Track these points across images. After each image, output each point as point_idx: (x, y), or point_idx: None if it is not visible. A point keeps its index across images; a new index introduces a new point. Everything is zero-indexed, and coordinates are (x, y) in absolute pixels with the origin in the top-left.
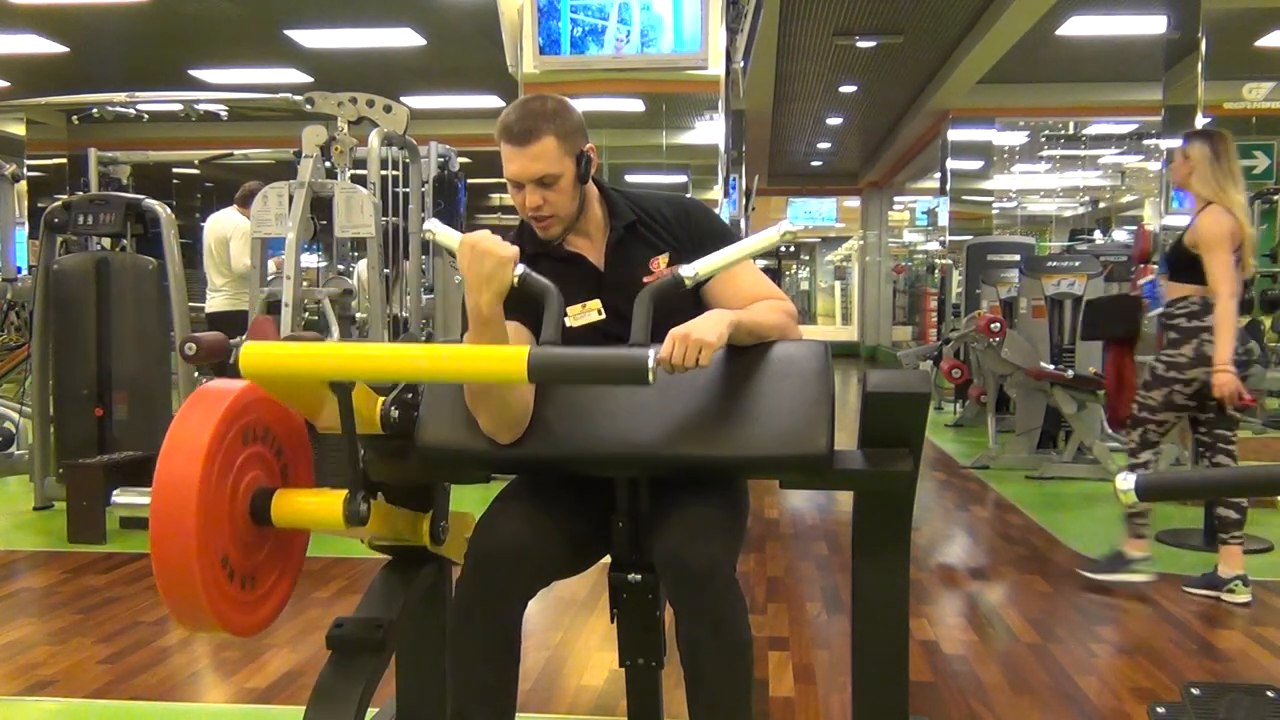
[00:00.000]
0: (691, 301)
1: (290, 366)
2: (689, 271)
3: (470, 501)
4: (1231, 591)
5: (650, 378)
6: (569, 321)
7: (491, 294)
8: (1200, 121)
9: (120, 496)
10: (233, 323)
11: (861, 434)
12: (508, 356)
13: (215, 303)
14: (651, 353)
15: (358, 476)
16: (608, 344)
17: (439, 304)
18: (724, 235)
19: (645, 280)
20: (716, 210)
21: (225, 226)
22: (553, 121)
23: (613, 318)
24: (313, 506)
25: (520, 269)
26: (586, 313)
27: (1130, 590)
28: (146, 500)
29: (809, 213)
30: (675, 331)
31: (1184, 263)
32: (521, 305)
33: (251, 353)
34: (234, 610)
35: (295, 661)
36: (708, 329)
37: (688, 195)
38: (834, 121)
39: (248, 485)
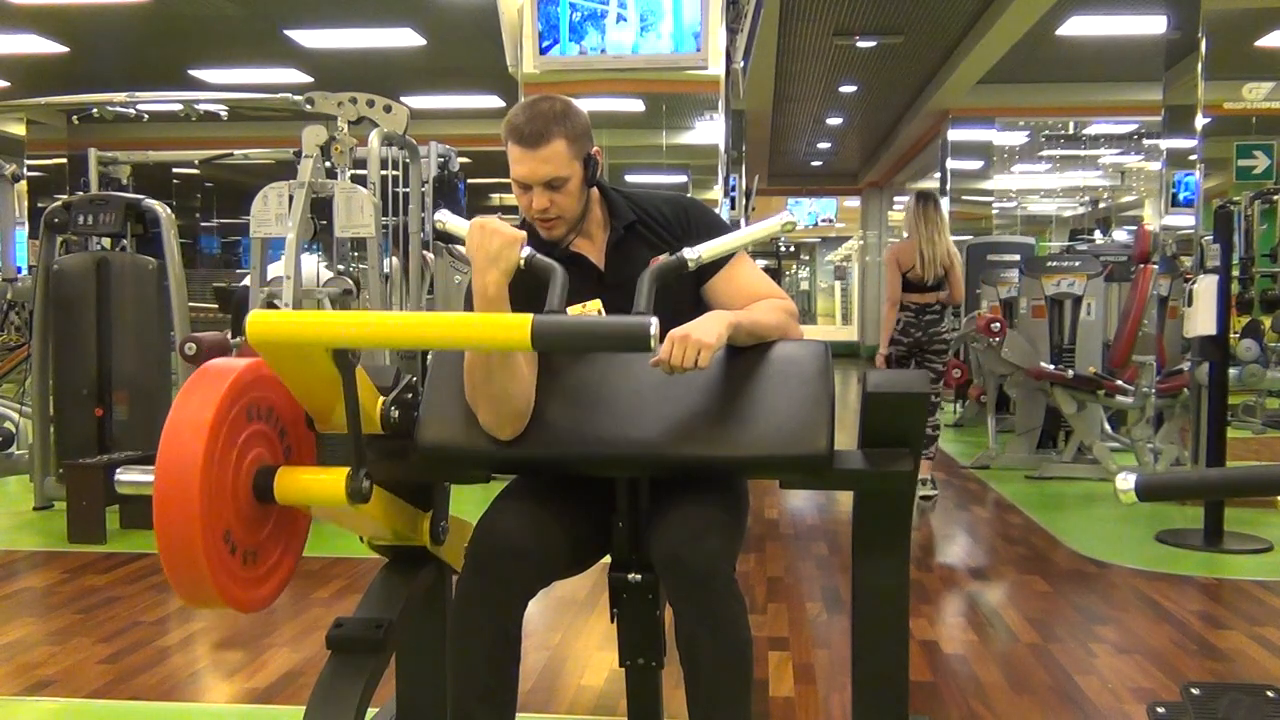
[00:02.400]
0: (692, 301)
1: (295, 334)
2: (693, 254)
3: (470, 501)
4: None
5: (652, 344)
6: None
7: (498, 273)
8: (1200, 122)
9: (124, 474)
10: None
11: (861, 434)
12: (512, 324)
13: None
14: (654, 321)
15: (360, 454)
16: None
17: (439, 304)
18: (723, 231)
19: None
20: (716, 209)
21: None
22: (563, 124)
23: (611, 313)
24: (316, 484)
25: (527, 250)
26: (587, 313)
27: (1125, 586)
28: (150, 478)
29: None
30: (674, 333)
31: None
32: (528, 300)
33: (257, 320)
34: (237, 586)
35: (295, 661)
36: (706, 330)
37: (686, 195)
38: (834, 121)
39: (251, 462)
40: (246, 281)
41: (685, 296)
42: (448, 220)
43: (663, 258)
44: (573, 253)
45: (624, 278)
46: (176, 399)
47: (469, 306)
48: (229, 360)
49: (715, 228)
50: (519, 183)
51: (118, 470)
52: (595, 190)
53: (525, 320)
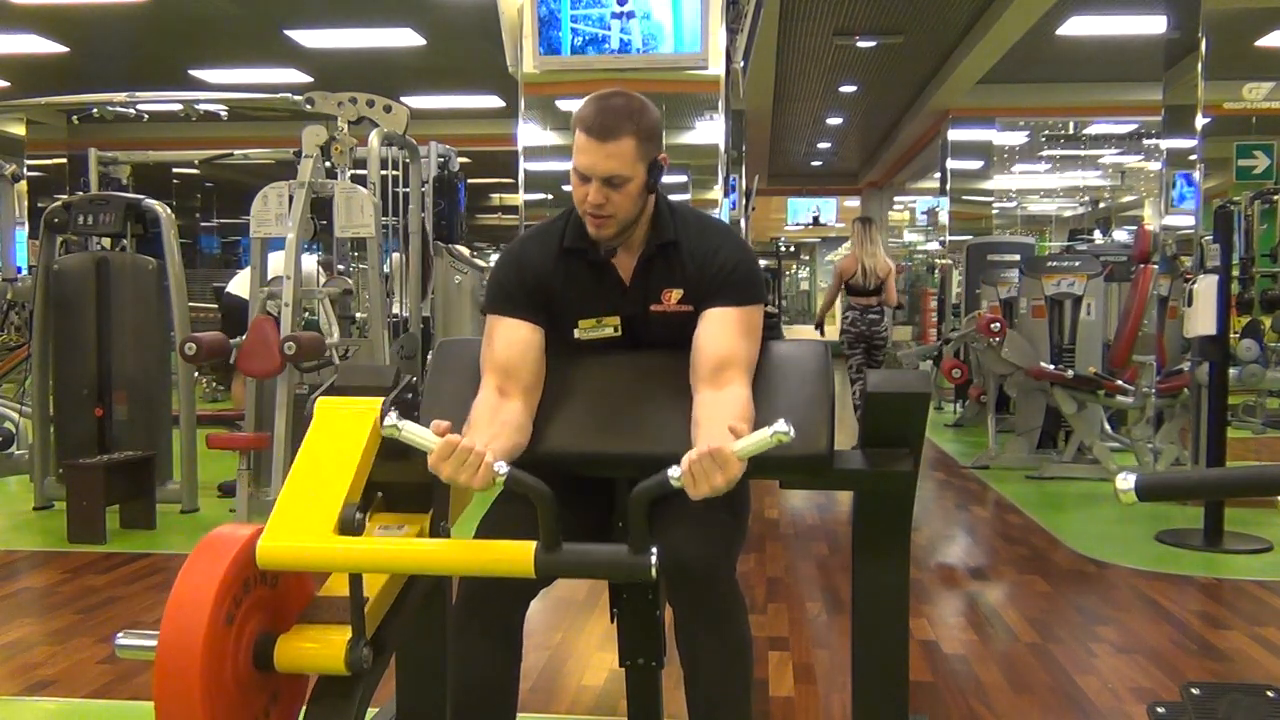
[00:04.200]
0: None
1: (305, 563)
2: (675, 473)
3: (470, 501)
4: None
5: (652, 574)
6: (579, 335)
7: (476, 491)
8: (1200, 121)
9: (124, 639)
10: None
11: (861, 434)
12: (515, 553)
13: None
14: (653, 555)
15: (360, 623)
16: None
17: (439, 305)
18: (736, 293)
19: (654, 308)
20: (716, 212)
21: None
22: (636, 123)
23: (626, 333)
24: (314, 654)
25: (504, 470)
26: (601, 328)
27: (1125, 586)
28: (151, 643)
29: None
30: (699, 464)
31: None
32: (529, 302)
33: (267, 548)
34: None
35: None
36: (728, 477)
37: (738, 240)
38: (834, 121)
39: (251, 630)
40: (231, 287)
41: (687, 330)
42: (404, 430)
43: (670, 302)
44: (605, 261)
45: (641, 299)
46: (183, 569)
47: (487, 308)
48: (234, 529)
49: (732, 284)
50: (579, 172)
51: (119, 635)
52: (652, 198)
53: (528, 551)
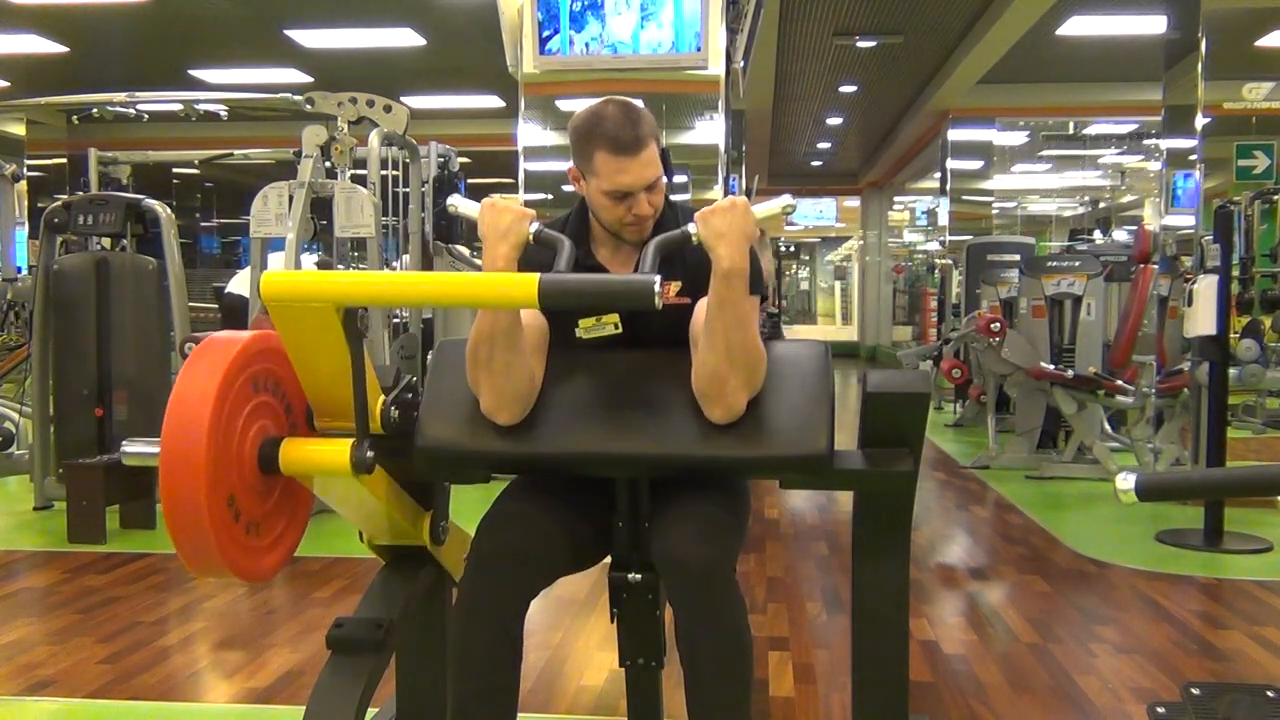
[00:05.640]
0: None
1: (306, 291)
2: (693, 229)
3: (470, 501)
4: None
5: (657, 302)
6: (580, 334)
7: (509, 246)
8: (1200, 121)
9: (129, 445)
10: None
11: (861, 434)
12: (519, 282)
13: None
14: (658, 279)
15: (364, 424)
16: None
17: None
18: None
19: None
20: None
21: None
22: (648, 124)
23: (627, 330)
24: (320, 454)
25: (535, 225)
26: (602, 326)
27: (1125, 586)
28: (155, 449)
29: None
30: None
31: None
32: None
33: (271, 279)
34: (242, 555)
35: (295, 661)
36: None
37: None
38: (834, 121)
39: (256, 433)
40: (232, 286)
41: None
42: (459, 204)
43: (669, 295)
44: (601, 265)
45: None
46: (183, 368)
47: None
48: (236, 332)
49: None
50: (620, 192)
51: (123, 442)
52: None
53: (532, 279)
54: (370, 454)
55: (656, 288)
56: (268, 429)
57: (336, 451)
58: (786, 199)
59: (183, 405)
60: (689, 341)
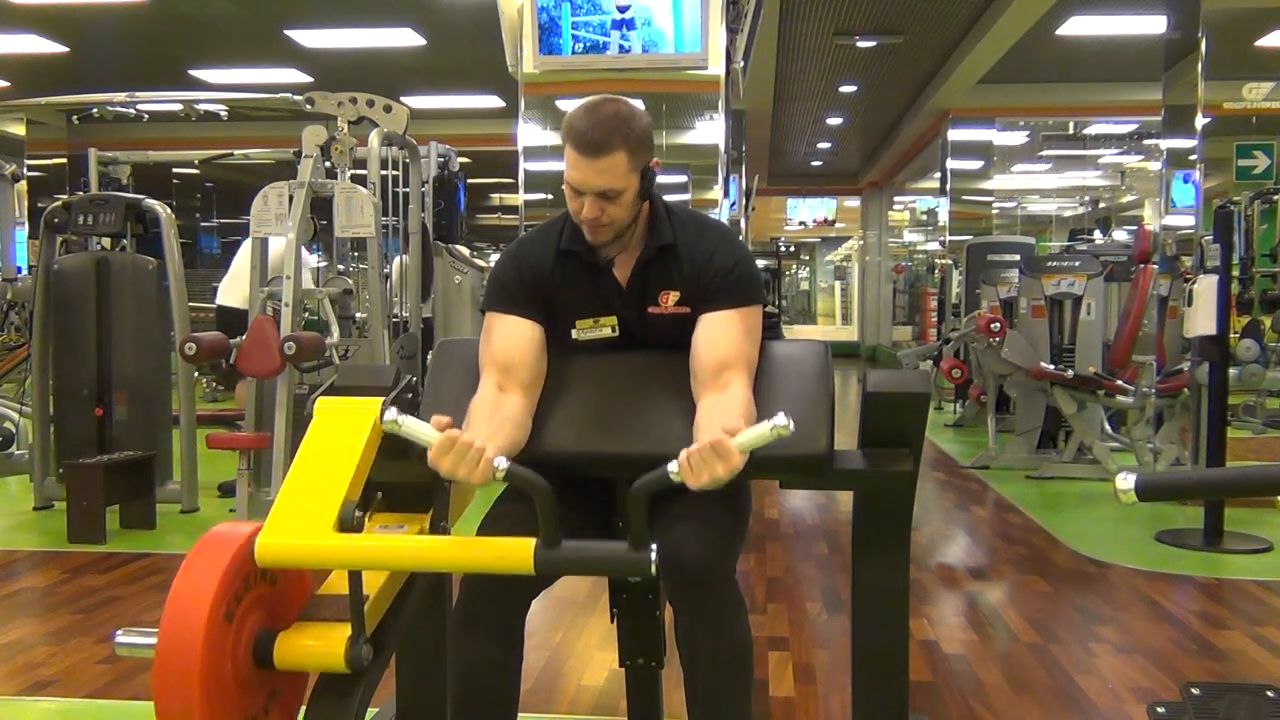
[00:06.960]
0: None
1: (304, 560)
2: (673, 468)
3: (470, 502)
4: None
5: (652, 570)
6: (576, 335)
7: (476, 486)
8: (1200, 121)
9: (124, 636)
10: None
11: (861, 434)
12: (516, 550)
13: None
14: (653, 552)
15: (359, 620)
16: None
17: (439, 305)
18: (734, 295)
19: (651, 310)
20: (715, 212)
21: None
22: (625, 135)
23: (623, 334)
24: (314, 651)
25: (503, 466)
26: (599, 328)
27: (1125, 586)
28: (150, 641)
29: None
30: (697, 456)
31: None
32: (529, 300)
33: (266, 545)
34: None
35: None
36: (729, 467)
37: (736, 241)
38: (834, 121)
39: (250, 629)
40: (221, 298)
41: (685, 329)
42: (404, 424)
43: (668, 305)
44: (603, 262)
45: (638, 300)
46: (182, 566)
47: (486, 305)
48: (234, 527)
49: (731, 286)
50: (571, 186)
51: (117, 633)
52: (647, 202)
53: (527, 548)
54: (366, 648)
55: (652, 555)
56: (262, 622)
57: (331, 649)
58: (780, 418)
59: (181, 606)
60: (688, 346)
